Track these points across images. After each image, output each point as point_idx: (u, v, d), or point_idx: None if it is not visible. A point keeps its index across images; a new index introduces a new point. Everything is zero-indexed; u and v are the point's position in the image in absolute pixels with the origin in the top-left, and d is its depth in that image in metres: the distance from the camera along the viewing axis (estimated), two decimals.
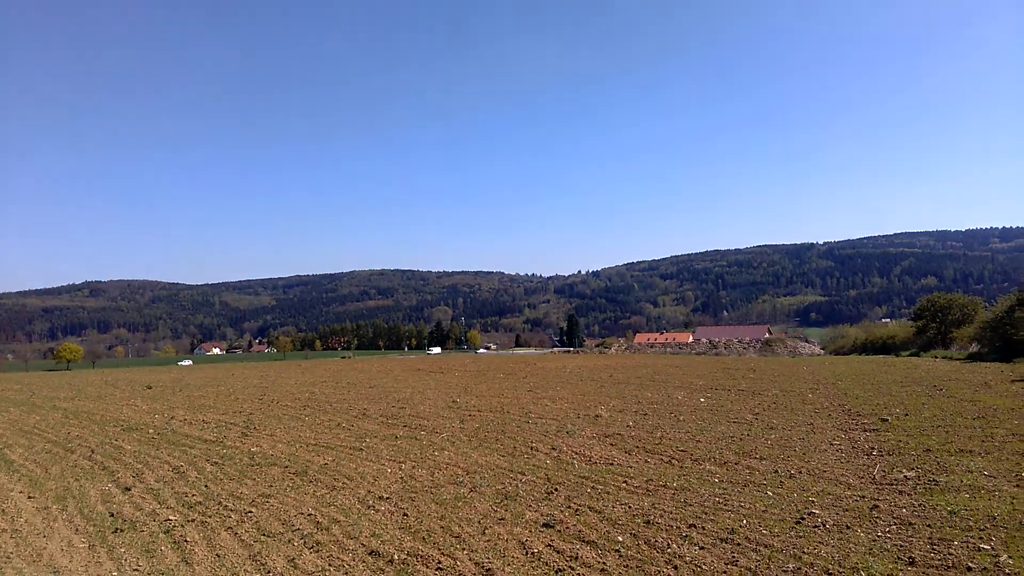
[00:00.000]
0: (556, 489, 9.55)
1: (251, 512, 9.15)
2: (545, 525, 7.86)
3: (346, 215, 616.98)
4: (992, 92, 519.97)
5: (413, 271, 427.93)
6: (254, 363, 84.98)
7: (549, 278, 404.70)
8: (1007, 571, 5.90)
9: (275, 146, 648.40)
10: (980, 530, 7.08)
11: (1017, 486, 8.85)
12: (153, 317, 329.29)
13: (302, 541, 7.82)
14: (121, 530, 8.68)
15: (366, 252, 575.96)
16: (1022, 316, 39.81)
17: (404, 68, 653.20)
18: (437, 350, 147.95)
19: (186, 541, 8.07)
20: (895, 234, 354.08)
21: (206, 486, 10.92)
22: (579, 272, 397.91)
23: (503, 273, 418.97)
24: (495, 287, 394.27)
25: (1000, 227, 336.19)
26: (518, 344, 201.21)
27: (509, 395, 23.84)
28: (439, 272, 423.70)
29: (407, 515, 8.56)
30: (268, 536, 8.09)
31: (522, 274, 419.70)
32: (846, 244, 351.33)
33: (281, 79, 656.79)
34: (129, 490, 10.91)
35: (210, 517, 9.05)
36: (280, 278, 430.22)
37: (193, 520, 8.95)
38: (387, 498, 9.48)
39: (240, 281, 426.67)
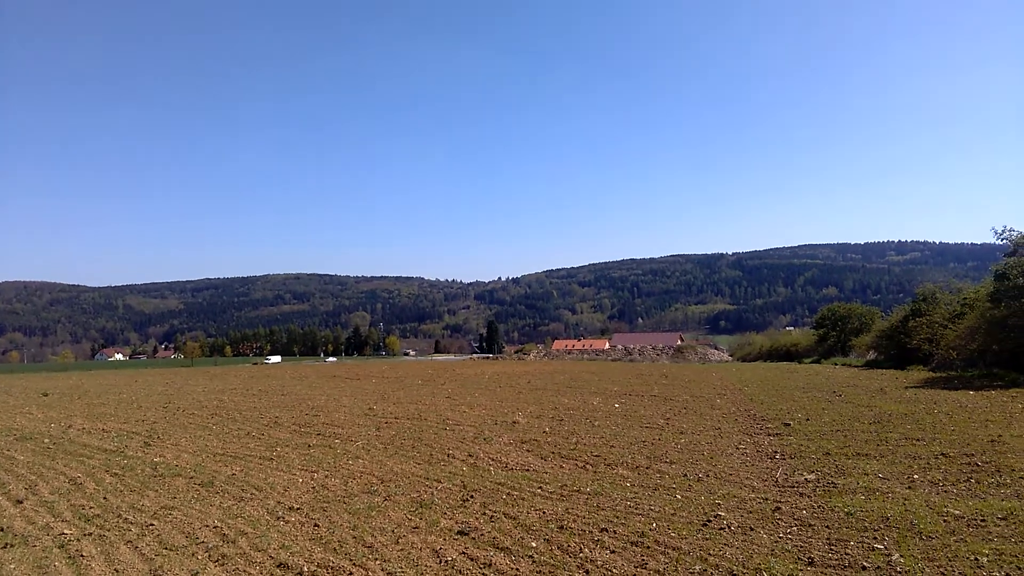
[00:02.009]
0: (472, 496, 9.55)
1: (153, 525, 8.77)
2: (460, 533, 7.85)
3: (261, 217, 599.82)
4: (889, 113, 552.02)
5: (331, 275, 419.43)
6: (159, 369, 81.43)
7: (469, 284, 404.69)
8: (899, 569, 6.24)
9: (180, 142, 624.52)
10: (874, 530, 7.48)
11: (909, 488, 9.41)
12: (51, 321, 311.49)
13: (207, 554, 7.54)
14: (12, 545, 8.17)
15: (282, 255, 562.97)
16: (915, 326, 42.27)
17: (317, 63, 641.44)
18: (276, 359, 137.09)
19: (82, 556, 7.66)
20: (799, 246, 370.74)
21: (105, 498, 10.40)
22: (499, 279, 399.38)
23: (423, 279, 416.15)
24: (415, 293, 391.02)
25: (896, 240, 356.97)
26: (437, 350, 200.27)
27: (427, 402, 23.70)
28: (358, 277, 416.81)
29: (318, 526, 8.39)
30: (170, 550, 7.77)
31: (442, 280, 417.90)
32: (754, 255, 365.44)
33: (185, 71, 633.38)
34: (21, 503, 10.27)
35: (108, 530, 8.62)
36: (188, 281, 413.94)
37: (90, 534, 8.51)
38: (298, 509, 9.26)
39: (146, 284, 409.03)
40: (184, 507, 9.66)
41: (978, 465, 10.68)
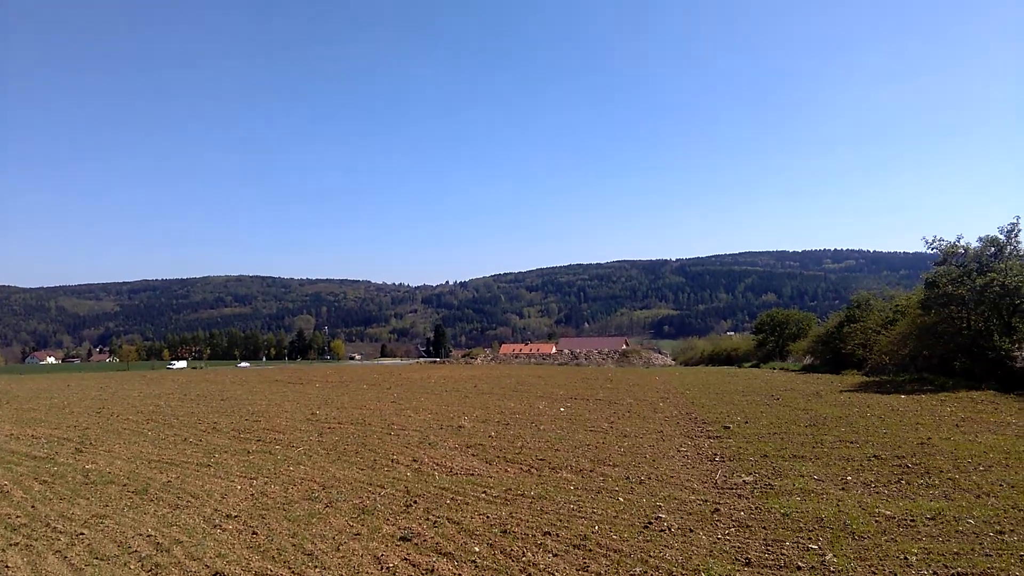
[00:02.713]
0: (415, 501, 9.46)
1: (83, 534, 8.43)
2: (402, 539, 7.76)
3: (201, 216, 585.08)
4: (826, 125, 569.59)
5: (274, 278, 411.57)
6: (93, 373, 78.59)
7: (417, 288, 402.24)
8: (832, 569, 6.40)
9: (115, 139, 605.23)
10: (809, 531, 7.67)
11: (843, 489, 9.68)
12: None
13: (139, 564, 7.28)
14: None
15: (223, 256, 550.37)
16: (850, 331, 43.63)
17: (266, 60, 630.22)
18: (181, 364, 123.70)
19: (7, 567, 7.30)
20: (740, 253, 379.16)
21: (33, 507, 9.96)
22: (447, 282, 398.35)
23: (370, 282, 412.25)
24: (361, 296, 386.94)
25: (832, 249, 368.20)
26: (384, 354, 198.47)
27: (371, 407, 23.43)
28: (302, 279, 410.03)
29: (256, 533, 8.19)
30: (101, 559, 7.48)
31: (389, 283, 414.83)
32: (696, 261, 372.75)
33: (120, 65, 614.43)
34: None
35: (36, 540, 8.25)
36: (125, 282, 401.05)
37: (16, 544, 8.13)
38: (235, 516, 9.02)
39: (80, 285, 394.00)
40: (116, 515, 9.32)
41: (908, 467, 11.06)
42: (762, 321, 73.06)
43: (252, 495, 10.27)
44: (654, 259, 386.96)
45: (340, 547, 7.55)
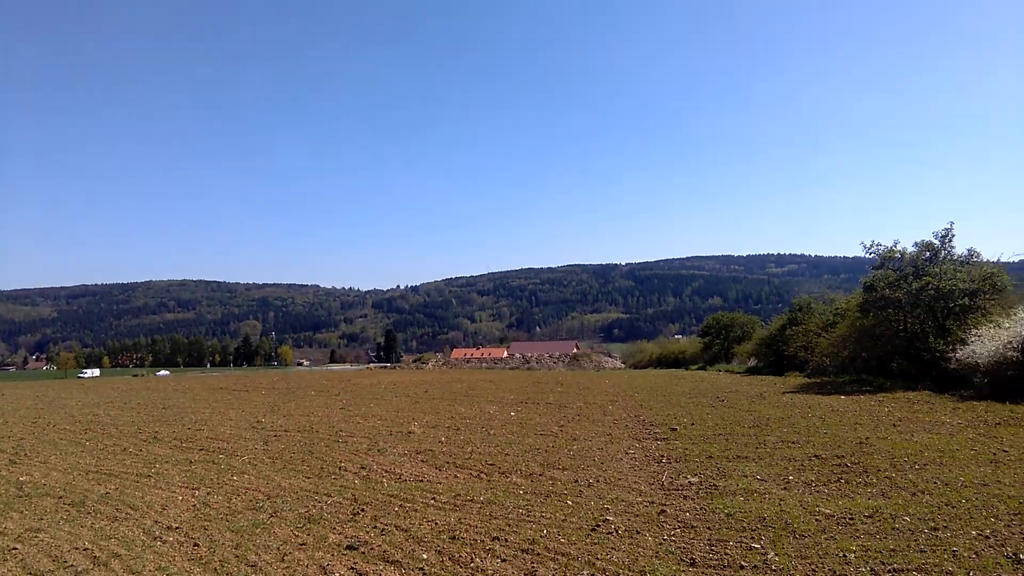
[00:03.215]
0: (363, 509, 9.34)
1: (16, 548, 8.10)
2: (349, 547, 7.65)
3: (142, 219, 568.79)
4: (770, 134, 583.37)
5: (219, 282, 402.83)
6: (29, 381, 75.60)
7: (367, 292, 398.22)
8: (774, 568, 6.54)
9: (53, 138, 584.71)
10: (752, 530, 7.82)
11: (784, 489, 9.90)
12: None
13: None
14: None
15: (166, 260, 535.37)
16: (792, 334, 44.69)
17: (212, 61, 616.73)
18: (94, 372, 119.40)
19: None
20: (687, 257, 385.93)
21: None
22: (398, 287, 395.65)
23: (319, 286, 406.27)
24: (310, 300, 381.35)
25: (776, 253, 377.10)
26: (333, 360, 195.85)
27: (319, 413, 23.06)
28: (248, 284, 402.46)
29: (198, 545, 7.97)
30: (35, 575, 7.20)
31: (339, 288, 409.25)
32: (645, 266, 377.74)
33: (57, 68, 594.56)
34: None
35: None
36: (62, 287, 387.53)
37: None
38: (176, 528, 8.78)
39: (14, 290, 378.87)
40: (52, 529, 8.98)
41: (847, 466, 11.37)
42: (708, 324, 74.35)
43: (194, 506, 10.00)
44: (604, 263, 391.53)
45: (285, 557, 7.40)
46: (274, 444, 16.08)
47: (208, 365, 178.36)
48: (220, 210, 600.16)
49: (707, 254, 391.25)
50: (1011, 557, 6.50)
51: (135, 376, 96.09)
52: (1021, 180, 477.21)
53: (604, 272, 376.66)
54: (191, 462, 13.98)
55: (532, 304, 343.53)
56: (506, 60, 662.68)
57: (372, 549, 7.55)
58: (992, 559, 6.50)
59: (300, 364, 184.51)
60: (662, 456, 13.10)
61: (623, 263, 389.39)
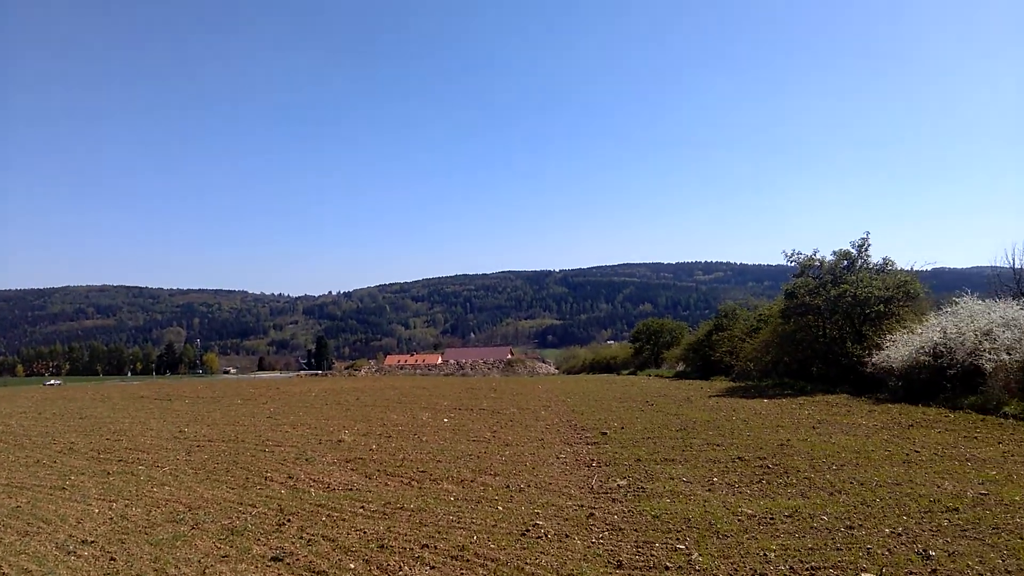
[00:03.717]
0: (289, 520, 9.12)
1: None
2: (273, 559, 7.46)
3: (59, 221, 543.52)
4: (697, 143, 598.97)
5: (141, 288, 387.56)
6: None
7: (298, 298, 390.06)
8: (697, 568, 6.68)
9: None
10: (677, 532, 7.98)
11: (709, 490, 10.14)
12: None
13: None
14: None
15: (84, 265, 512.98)
16: (718, 339, 45.97)
17: (119, 53, 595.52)
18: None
19: None
20: (619, 264, 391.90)
21: None
22: (330, 293, 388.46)
23: (247, 292, 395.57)
24: (237, 307, 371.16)
25: (703, 261, 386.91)
26: (262, 368, 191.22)
27: (246, 422, 22.44)
28: (172, 289, 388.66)
29: (115, 559, 7.65)
30: None
31: (268, 293, 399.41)
32: (579, 272, 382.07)
33: None
34: None
35: None
36: None
37: None
38: (92, 542, 8.39)
39: None
40: None
41: (769, 467, 11.73)
42: (639, 330, 75.87)
43: (111, 519, 9.59)
44: (539, 270, 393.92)
45: (206, 570, 7.17)
46: (197, 454, 15.57)
47: (129, 373, 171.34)
48: (143, 214, 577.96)
49: (638, 261, 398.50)
50: (921, 553, 6.79)
51: (48, 385, 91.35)
52: (935, 190, 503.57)
53: (538, 279, 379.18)
54: (108, 473, 13.40)
55: (467, 310, 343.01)
56: (429, 58, 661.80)
57: (298, 560, 7.38)
58: (904, 556, 6.78)
59: (227, 372, 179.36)
60: (592, 460, 13.25)
61: (557, 270, 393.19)
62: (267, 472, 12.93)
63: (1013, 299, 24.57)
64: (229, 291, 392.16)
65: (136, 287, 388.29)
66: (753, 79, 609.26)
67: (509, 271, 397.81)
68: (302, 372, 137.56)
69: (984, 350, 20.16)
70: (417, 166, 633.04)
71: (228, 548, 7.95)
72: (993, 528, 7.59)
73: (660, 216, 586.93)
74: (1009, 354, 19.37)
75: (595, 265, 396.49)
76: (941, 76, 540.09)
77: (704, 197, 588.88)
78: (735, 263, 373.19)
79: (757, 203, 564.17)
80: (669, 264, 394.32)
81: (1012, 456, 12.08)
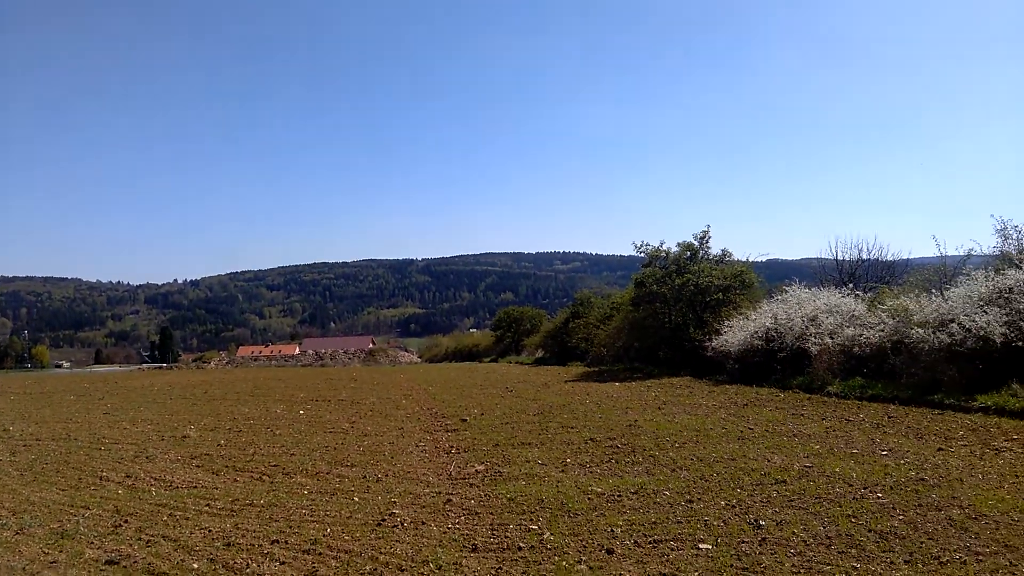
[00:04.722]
0: (126, 521, 8.57)
1: None
2: (108, 562, 6.99)
3: None
4: (553, 137, 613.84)
5: None
6: None
7: (139, 286, 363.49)
8: (549, 547, 6.88)
9: None
10: (531, 513, 8.20)
11: (562, 471, 10.50)
12: None
13: None
14: None
15: None
16: (574, 327, 47.56)
17: None
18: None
19: None
20: (481, 254, 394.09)
21: None
22: (175, 281, 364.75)
23: (81, 280, 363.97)
24: (70, 296, 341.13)
25: (561, 251, 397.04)
26: (99, 361, 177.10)
27: (79, 419, 20.78)
28: None
29: None
30: None
31: (105, 281, 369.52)
32: (441, 261, 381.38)
33: None
34: None
35: None
36: None
37: None
38: None
39: None
40: None
41: (618, 447, 12.31)
42: (500, 318, 77.21)
43: None
44: (401, 258, 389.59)
45: None
46: (23, 455, 14.25)
47: None
48: None
49: (500, 251, 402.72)
50: (753, 523, 7.34)
51: None
52: (772, 189, 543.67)
53: (401, 267, 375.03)
54: None
55: (326, 300, 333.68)
56: (289, 44, 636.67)
57: (135, 562, 6.96)
58: (737, 526, 7.30)
59: (59, 366, 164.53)
60: (452, 447, 13.36)
61: (420, 259, 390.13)
62: (102, 471, 12.06)
63: (836, 287, 27.12)
64: (61, 279, 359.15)
65: None
66: (613, 84, 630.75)
67: (371, 259, 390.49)
68: (144, 365, 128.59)
69: (810, 334, 22.10)
70: (267, 146, 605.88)
71: (57, 553, 7.37)
72: (816, 498, 8.33)
73: (521, 207, 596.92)
74: (832, 338, 21.32)
75: (458, 254, 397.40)
76: (776, 82, 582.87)
77: (561, 189, 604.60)
78: (591, 253, 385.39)
79: (610, 198, 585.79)
80: (530, 254, 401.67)
81: (834, 431, 13.33)
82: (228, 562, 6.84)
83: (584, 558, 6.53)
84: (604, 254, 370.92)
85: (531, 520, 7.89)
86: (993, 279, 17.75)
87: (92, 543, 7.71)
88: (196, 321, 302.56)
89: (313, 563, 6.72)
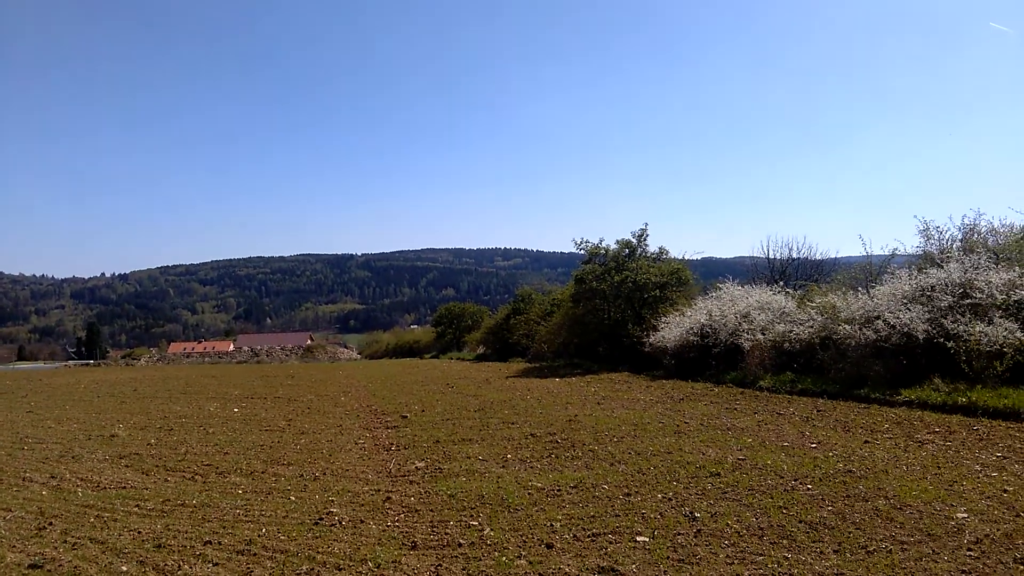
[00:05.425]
0: (51, 523, 8.23)
1: None
2: (32, 566, 6.70)
3: None
4: (496, 133, 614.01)
5: None
6: None
7: (64, 280, 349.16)
8: (489, 542, 6.90)
9: None
10: (471, 509, 8.21)
11: (503, 467, 10.52)
12: None
13: None
14: None
15: None
16: (515, 323, 47.69)
17: None
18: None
19: None
20: (422, 249, 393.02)
21: None
22: (103, 275, 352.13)
23: (2, 273, 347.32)
24: None
25: (503, 248, 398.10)
26: (22, 357, 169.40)
27: (1, 418, 19.83)
28: None
29: None
30: None
31: (28, 275, 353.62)
32: (381, 257, 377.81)
33: None
34: None
35: None
36: None
37: None
38: None
39: None
40: None
41: (558, 442, 12.40)
42: (441, 314, 76.92)
43: None
44: (340, 253, 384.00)
45: None
46: None
47: None
48: None
49: (441, 247, 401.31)
50: (688, 516, 7.50)
51: None
52: (707, 189, 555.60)
53: (340, 262, 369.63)
54: None
55: (262, 295, 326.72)
56: (228, 35, 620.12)
57: (61, 566, 6.69)
58: (673, 518, 7.44)
59: None
60: (391, 444, 13.25)
61: (359, 254, 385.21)
62: (25, 472, 11.54)
63: (768, 285, 27.90)
64: None
65: None
66: (552, 79, 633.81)
67: (308, 254, 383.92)
68: (70, 362, 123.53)
69: (743, 331, 22.71)
70: (199, 137, 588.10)
71: None
72: (749, 490, 8.55)
73: (462, 203, 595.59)
74: (763, 334, 21.95)
75: (398, 250, 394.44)
76: (707, 86, 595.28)
77: (502, 185, 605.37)
78: (532, 250, 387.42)
79: (552, 195, 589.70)
80: (471, 250, 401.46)
81: (765, 424, 13.73)
82: (159, 564, 6.63)
83: (524, 553, 6.57)
84: (545, 251, 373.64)
85: (471, 516, 7.89)
86: (916, 278, 18.56)
87: (14, 546, 7.38)
88: (125, 316, 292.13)
89: (248, 564, 6.57)
